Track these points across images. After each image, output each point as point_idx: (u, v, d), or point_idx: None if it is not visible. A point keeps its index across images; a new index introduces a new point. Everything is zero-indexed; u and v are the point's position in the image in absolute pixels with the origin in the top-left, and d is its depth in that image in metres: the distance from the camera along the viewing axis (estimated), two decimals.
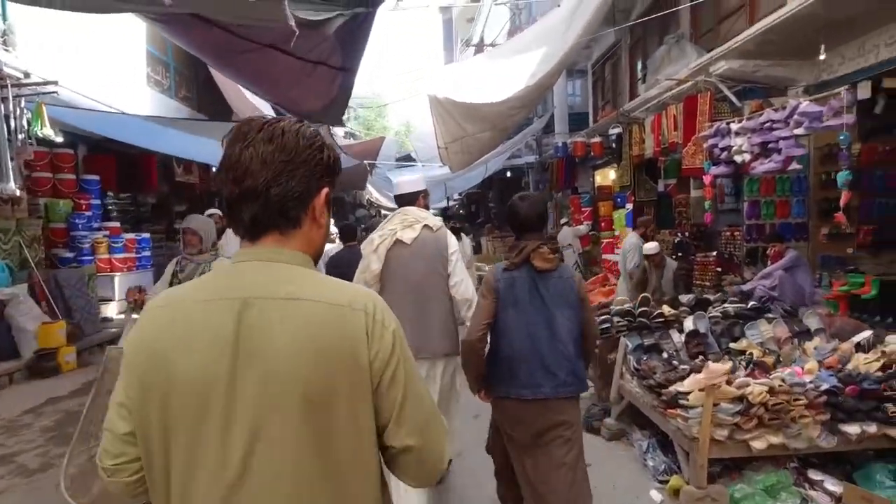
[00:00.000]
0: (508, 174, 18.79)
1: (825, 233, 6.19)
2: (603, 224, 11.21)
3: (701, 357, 3.32)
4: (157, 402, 0.89)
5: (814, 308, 4.54)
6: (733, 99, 6.35)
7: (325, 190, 1.01)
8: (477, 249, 13.01)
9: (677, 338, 3.63)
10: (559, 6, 7.49)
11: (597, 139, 10.05)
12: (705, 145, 6.09)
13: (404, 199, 3.12)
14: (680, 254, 8.31)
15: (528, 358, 2.27)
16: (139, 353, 0.92)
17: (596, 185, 13.31)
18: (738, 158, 5.50)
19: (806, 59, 6.23)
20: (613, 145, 9.06)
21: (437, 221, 3.10)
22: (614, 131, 8.98)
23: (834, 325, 3.95)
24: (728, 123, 5.70)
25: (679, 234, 8.29)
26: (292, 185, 0.95)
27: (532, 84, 8.00)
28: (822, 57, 5.27)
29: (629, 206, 9.25)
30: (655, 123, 7.62)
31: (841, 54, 5.72)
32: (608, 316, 3.89)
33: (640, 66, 11.11)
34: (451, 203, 26.57)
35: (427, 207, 3.21)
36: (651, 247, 6.07)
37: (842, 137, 4.17)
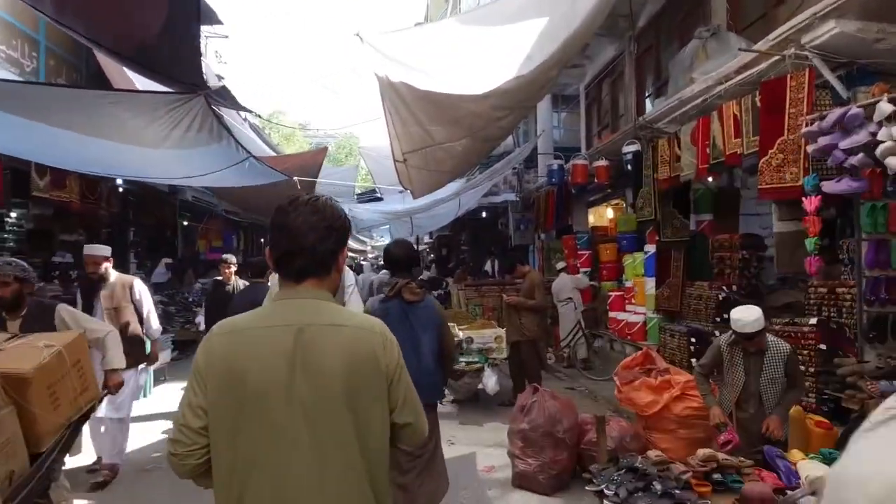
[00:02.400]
0: (484, 214, 16.47)
1: None
2: (605, 272, 8.84)
3: None
4: (233, 405, 1.25)
5: None
6: (837, 86, 4.16)
7: (345, 247, 1.46)
8: (444, 299, 10.24)
9: None
10: None
11: (602, 162, 7.82)
12: (810, 149, 3.82)
13: None
14: (726, 316, 5.99)
15: None
16: (212, 367, 1.29)
17: (590, 224, 11.09)
18: (892, 161, 3.21)
19: None
20: (629, 167, 6.81)
21: None
22: (630, 149, 6.75)
23: None
24: (863, 106, 3.44)
25: (724, 290, 5.97)
26: (329, 244, 1.38)
27: (526, 74, 5.72)
28: None
29: (649, 248, 6.91)
30: (700, 132, 5.41)
31: None
32: None
33: (649, 81, 9.16)
34: (421, 247, 24.01)
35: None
36: (750, 317, 3.17)
37: None
